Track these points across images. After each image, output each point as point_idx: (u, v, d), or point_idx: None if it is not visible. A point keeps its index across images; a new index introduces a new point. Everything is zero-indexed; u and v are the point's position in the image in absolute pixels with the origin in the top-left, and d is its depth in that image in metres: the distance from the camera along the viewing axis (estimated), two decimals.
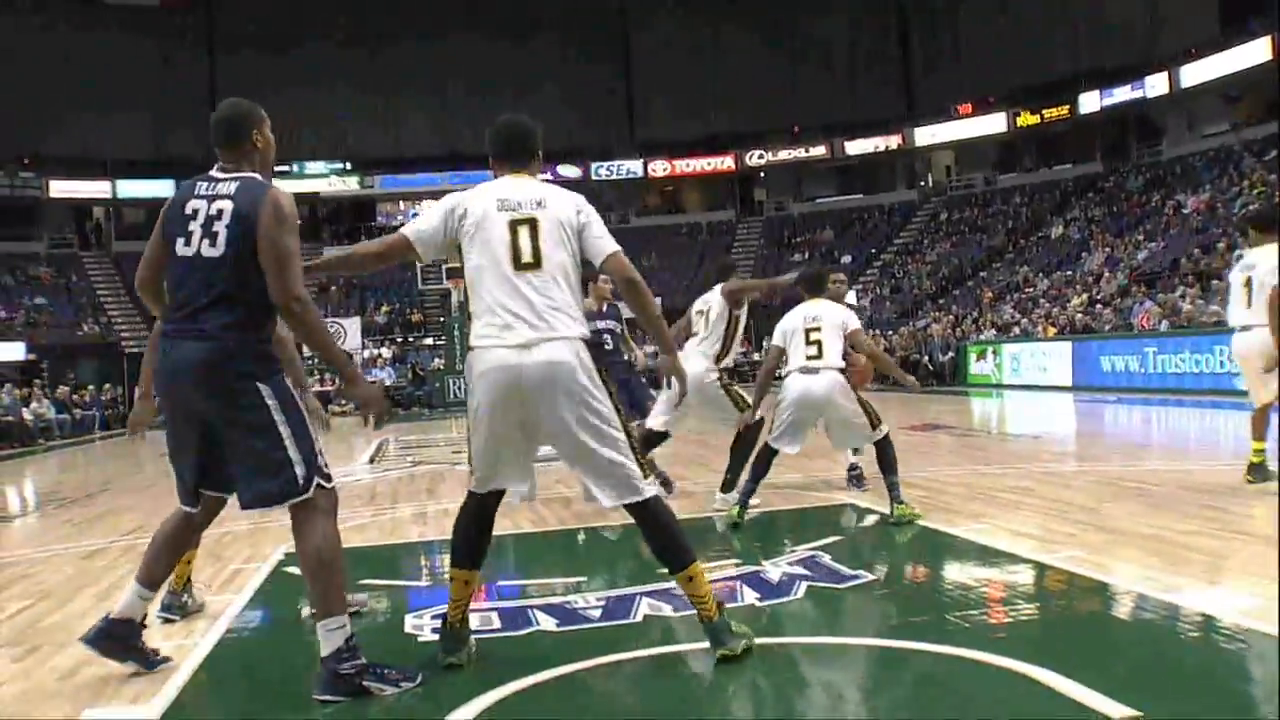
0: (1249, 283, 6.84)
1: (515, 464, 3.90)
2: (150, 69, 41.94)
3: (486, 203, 3.78)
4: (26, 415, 29.30)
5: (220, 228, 3.64)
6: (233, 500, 3.90)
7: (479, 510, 3.94)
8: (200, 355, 3.61)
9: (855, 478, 7.95)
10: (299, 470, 3.63)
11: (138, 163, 42.70)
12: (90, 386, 34.24)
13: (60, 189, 42.30)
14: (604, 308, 8.53)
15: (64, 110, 40.29)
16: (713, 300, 7.52)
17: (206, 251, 3.63)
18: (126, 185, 42.82)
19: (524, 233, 3.73)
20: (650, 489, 3.76)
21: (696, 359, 7.24)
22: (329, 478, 3.72)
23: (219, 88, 43.25)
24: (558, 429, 3.72)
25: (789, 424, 6.63)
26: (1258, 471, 6.87)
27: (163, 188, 42.19)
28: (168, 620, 4.75)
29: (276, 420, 3.61)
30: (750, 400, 7.27)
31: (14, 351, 35.70)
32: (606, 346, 8.18)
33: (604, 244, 3.79)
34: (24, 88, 39.29)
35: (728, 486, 7.29)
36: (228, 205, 3.64)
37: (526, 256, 3.73)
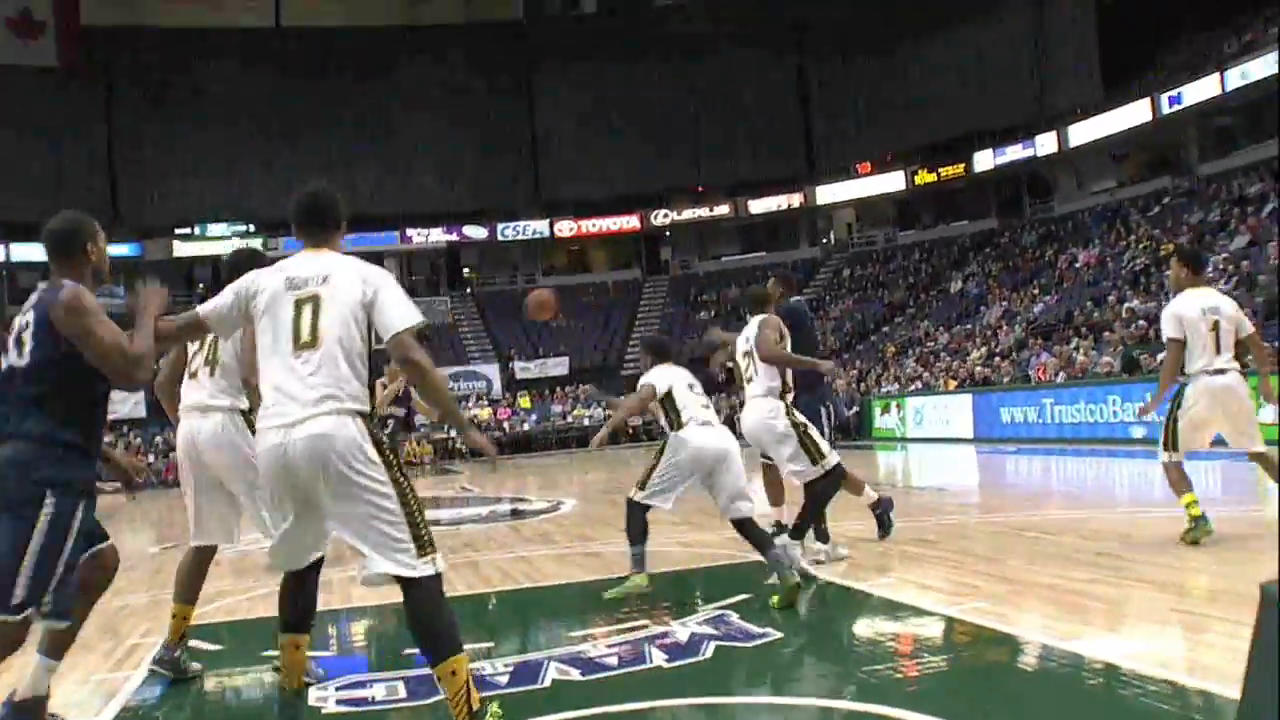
0: (1216, 326, 6.82)
1: (307, 540, 3.88)
2: (44, 129, 41.12)
3: (276, 281, 3.74)
4: None
5: (27, 336, 3.71)
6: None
7: (297, 581, 3.98)
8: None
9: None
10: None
11: (29, 226, 41.14)
12: None
13: None
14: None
15: None
16: (751, 334, 7.02)
17: (14, 361, 3.73)
18: (20, 250, 41.55)
19: (306, 311, 3.67)
20: (425, 568, 3.61)
21: (755, 406, 6.91)
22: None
23: (116, 160, 43.05)
24: (328, 503, 3.63)
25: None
26: (1201, 523, 6.68)
27: None
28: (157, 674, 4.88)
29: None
30: (823, 450, 6.82)
31: None
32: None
33: (391, 320, 3.67)
34: None
35: (822, 537, 7.10)
36: (31, 315, 3.73)
37: (305, 335, 3.67)
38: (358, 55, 43.40)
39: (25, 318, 3.76)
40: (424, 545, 3.62)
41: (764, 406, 6.85)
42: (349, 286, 3.68)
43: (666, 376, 6.46)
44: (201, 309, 3.87)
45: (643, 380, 6.58)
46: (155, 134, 42.63)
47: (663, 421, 6.51)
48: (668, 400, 6.39)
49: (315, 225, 3.91)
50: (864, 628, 5.34)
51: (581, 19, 44.88)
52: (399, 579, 3.60)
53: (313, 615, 4.10)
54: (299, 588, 3.98)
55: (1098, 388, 19.15)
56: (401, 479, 3.65)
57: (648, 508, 6.46)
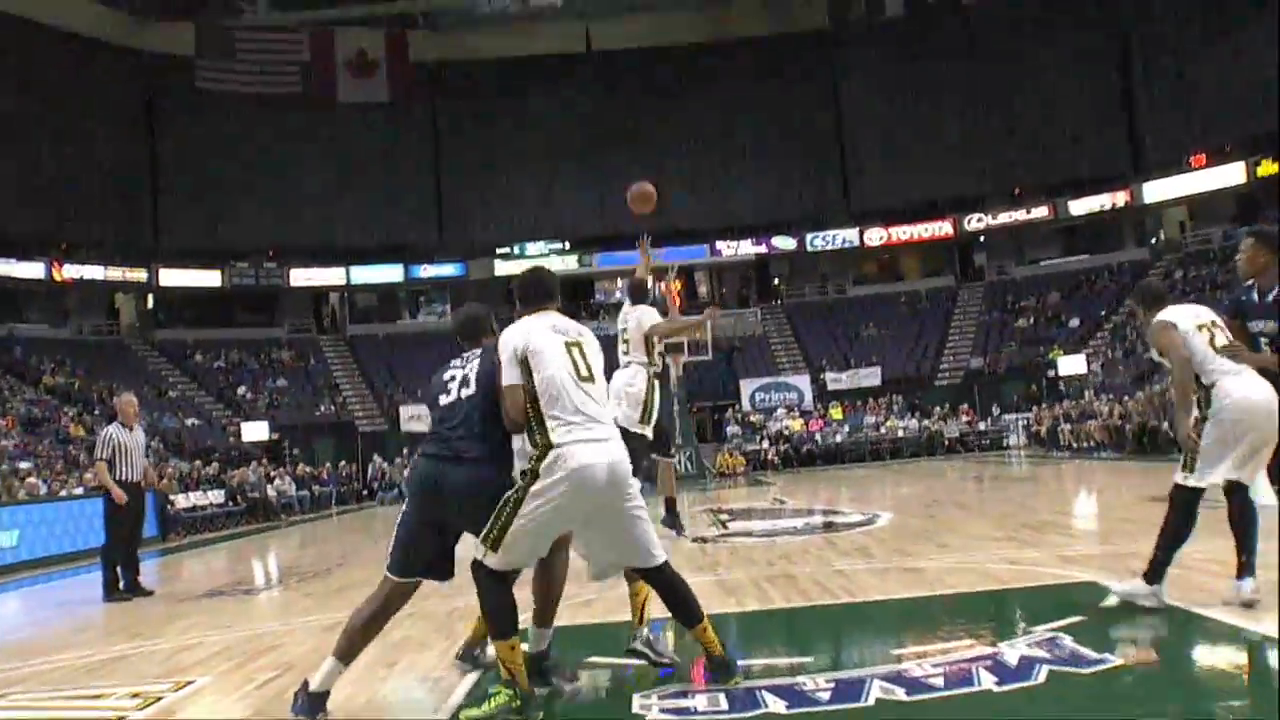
0: None
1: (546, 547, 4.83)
2: (378, 162, 45.29)
3: (544, 329, 4.77)
4: (270, 492, 31.95)
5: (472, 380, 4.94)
6: (466, 578, 4.72)
7: (504, 583, 4.72)
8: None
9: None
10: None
11: (369, 250, 46.35)
12: (327, 464, 37.18)
13: (299, 277, 45.79)
14: None
15: (302, 205, 43.87)
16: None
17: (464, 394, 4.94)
18: (360, 272, 46.25)
19: (576, 353, 4.71)
20: (662, 554, 4.76)
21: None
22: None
23: (443, 181, 46.85)
24: (607, 511, 4.66)
25: None
26: None
27: (392, 272, 47.14)
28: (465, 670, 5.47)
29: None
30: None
31: (259, 431, 38.36)
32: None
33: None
34: (265, 188, 43.35)
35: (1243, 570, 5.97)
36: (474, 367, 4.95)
37: (584, 371, 4.70)
38: (665, 73, 45.64)
39: (468, 369, 4.96)
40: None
41: None
42: (593, 339, 4.81)
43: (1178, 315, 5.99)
44: (523, 385, 4.66)
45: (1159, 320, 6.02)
46: (477, 160, 46.07)
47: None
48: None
49: (555, 298, 4.99)
50: (1215, 657, 5.02)
51: (888, 24, 44.61)
52: (648, 570, 4.76)
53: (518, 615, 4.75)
54: (508, 590, 4.73)
55: None
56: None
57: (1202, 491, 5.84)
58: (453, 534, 4.89)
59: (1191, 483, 5.71)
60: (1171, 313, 5.96)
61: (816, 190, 46.87)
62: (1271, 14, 37.27)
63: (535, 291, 4.92)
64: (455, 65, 45.86)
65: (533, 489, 4.50)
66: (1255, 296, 6.48)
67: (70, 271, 40.90)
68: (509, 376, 4.64)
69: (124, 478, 11.51)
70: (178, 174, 43.87)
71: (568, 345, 4.66)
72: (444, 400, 4.97)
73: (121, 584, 11.48)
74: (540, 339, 4.64)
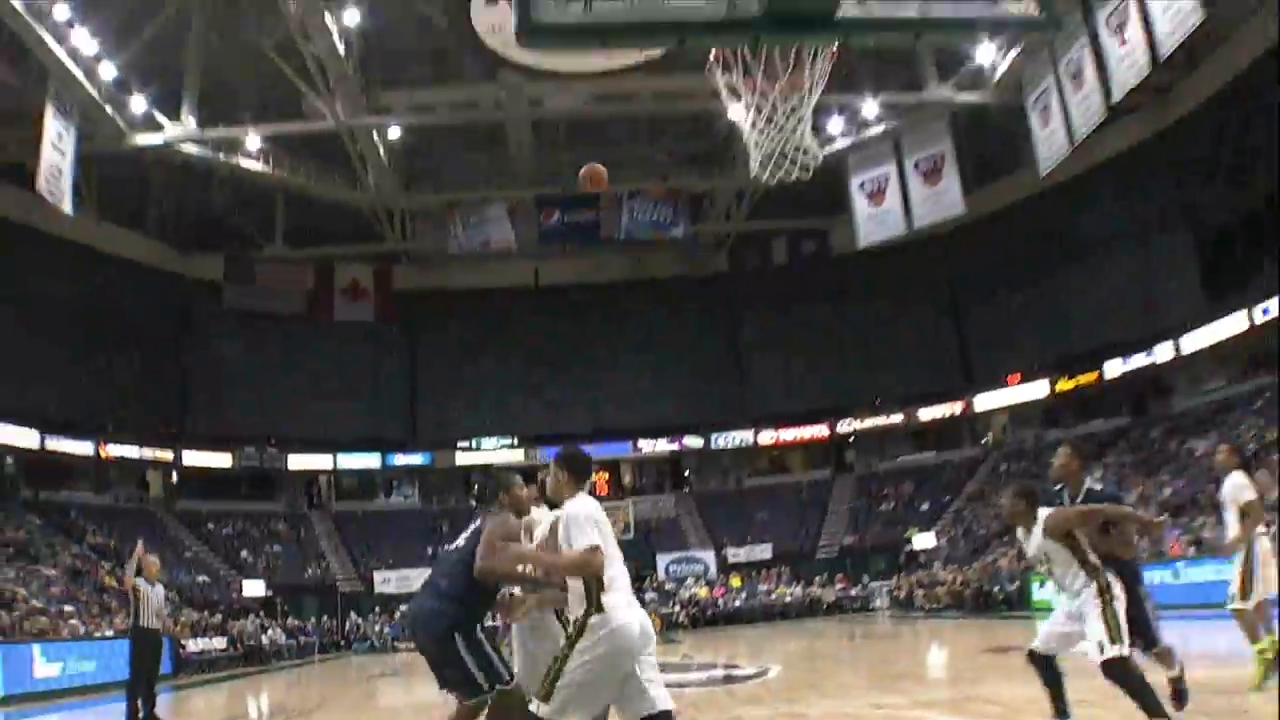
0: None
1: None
2: (364, 369, 50.41)
3: (599, 508, 5.07)
4: (264, 640, 36.53)
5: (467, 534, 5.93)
6: None
7: None
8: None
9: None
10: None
11: (353, 440, 50.75)
12: (312, 618, 41.24)
13: (296, 462, 50.03)
14: None
15: (300, 402, 48.48)
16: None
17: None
18: (345, 458, 51.01)
19: (607, 528, 4.98)
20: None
21: None
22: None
23: (416, 385, 52.06)
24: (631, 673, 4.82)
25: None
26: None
27: (371, 460, 50.92)
28: None
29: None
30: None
31: (257, 588, 41.98)
32: None
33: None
34: (271, 387, 48.07)
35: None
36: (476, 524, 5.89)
37: (614, 546, 4.98)
38: (599, 304, 51.33)
39: (468, 529, 5.89)
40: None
41: None
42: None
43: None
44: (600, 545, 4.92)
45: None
46: (444, 369, 50.85)
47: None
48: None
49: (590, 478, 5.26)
50: None
51: (775, 269, 50.95)
52: (660, 714, 4.77)
53: None
54: None
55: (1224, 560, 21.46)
56: None
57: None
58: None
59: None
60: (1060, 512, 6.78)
61: (720, 399, 51.87)
62: (1060, 268, 44.21)
63: (585, 471, 5.18)
64: (429, 294, 50.97)
65: (579, 645, 4.72)
66: (1065, 499, 7.12)
67: (113, 450, 44.27)
68: (590, 538, 4.79)
69: (146, 624, 12.34)
70: (202, 373, 47.90)
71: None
72: (443, 550, 5.89)
73: (141, 714, 12.22)
74: (601, 513, 4.94)
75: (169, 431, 47.28)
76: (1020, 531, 6.99)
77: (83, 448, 43.70)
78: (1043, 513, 6.80)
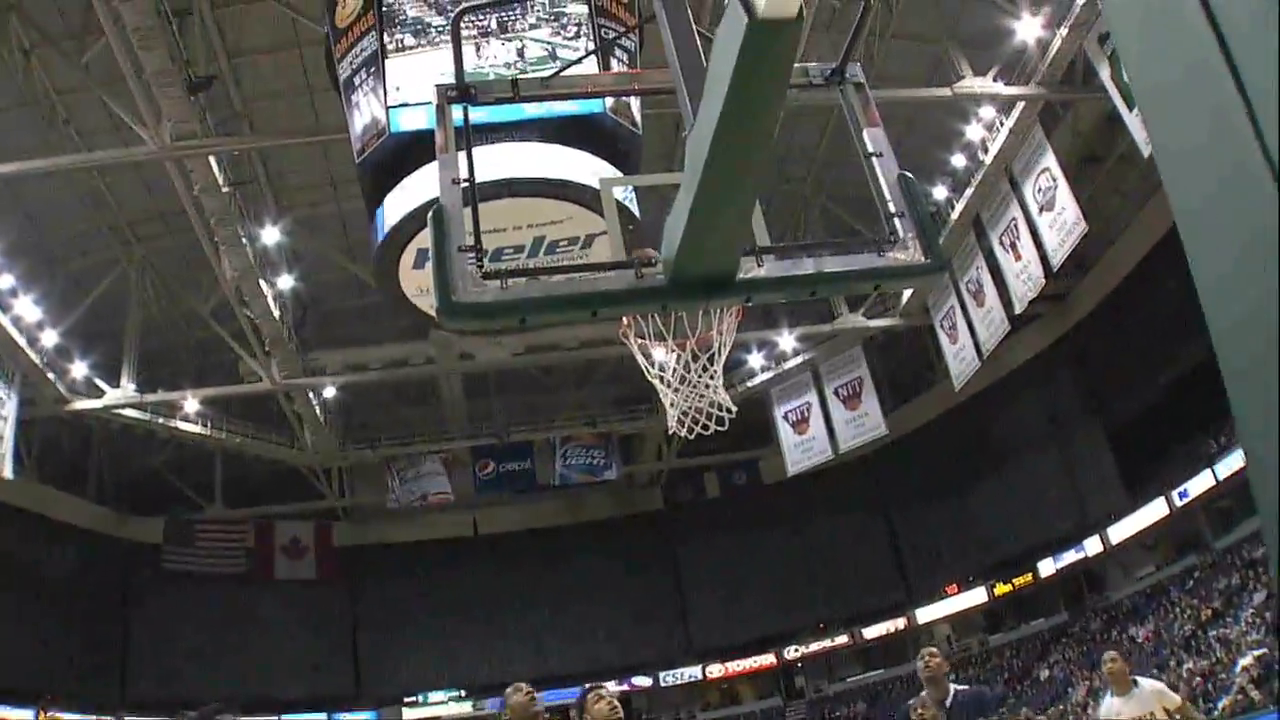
0: None
1: None
2: (306, 627, 50.11)
3: None
4: None
5: None
6: None
7: None
8: None
9: None
10: None
11: (298, 700, 49.64)
12: None
13: None
14: None
15: (244, 663, 47.51)
16: None
17: None
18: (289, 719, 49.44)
19: None
20: None
21: None
22: None
23: (359, 641, 51.74)
24: None
25: None
26: None
27: None
28: None
29: None
30: None
31: None
32: None
33: None
34: (213, 648, 47.09)
35: None
36: None
37: None
38: (537, 549, 51.75)
39: None
40: None
41: None
42: None
43: None
44: None
45: None
46: (387, 623, 50.56)
47: None
48: None
49: None
50: None
51: (709, 502, 52.88)
52: None
53: None
54: None
55: None
56: None
57: None
58: None
59: None
60: None
61: (664, 636, 52.07)
62: (986, 476, 46.42)
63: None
64: (369, 549, 51.52)
65: None
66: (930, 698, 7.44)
67: (54, 717, 42.49)
68: None
69: None
70: (142, 637, 47.34)
71: None
72: None
73: None
74: None
75: (109, 698, 46.41)
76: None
77: (22, 716, 42.73)
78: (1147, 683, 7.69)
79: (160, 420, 42.94)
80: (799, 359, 45.98)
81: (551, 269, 4.39)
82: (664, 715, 53.54)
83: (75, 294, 38.81)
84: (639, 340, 9.02)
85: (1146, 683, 7.79)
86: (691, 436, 9.79)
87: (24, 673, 42.60)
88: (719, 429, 9.58)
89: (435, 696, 51.44)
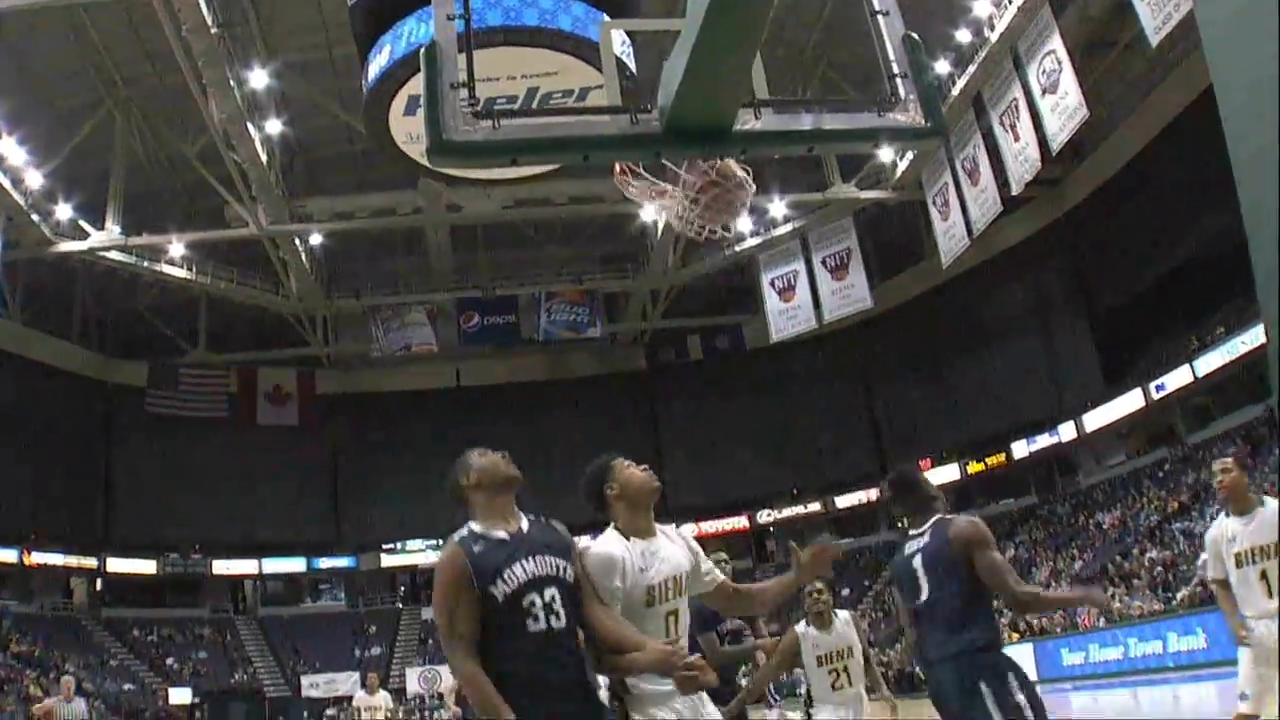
0: (1264, 575, 5.80)
1: None
2: (288, 473, 50.81)
3: None
4: None
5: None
6: None
7: None
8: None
9: None
10: None
11: (278, 544, 50.98)
12: None
13: (220, 566, 50.17)
14: None
15: (224, 507, 48.71)
16: None
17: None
18: (270, 563, 51.07)
19: None
20: None
21: None
22: None
23: (340, 489, 52.76)
24: None
25: None
26: None
27: (296, 564, 51.05)
28: None
29: None
30: None
31: (183, 695, 41.88)
32: None
33: None
34: (195, 492, 48.03)
35: None
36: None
37: None
38: (518, 403, 51.84)
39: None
40: None
41: None
42: None
43: None
44: None
45: None
46: (367, 470, 51.32)
47: None
48: None
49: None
50: None
51: (691, 365, 52.90)
52: None
53: None
54: None
55: (1133, 628, 24.31)
56: None
57: None
58: None
59: None
60: None
61: None
62: (966, 355, 46.80)
63: None
64: (352, 397, 51.90)
65: None
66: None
67: (37, 557, 44.10)
68: None
69: None
70: (125, 480, 48.29)
71: None
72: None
73: None
74: None
75: (92, 538, 47.42)
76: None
77: (6, 555, 43.80)
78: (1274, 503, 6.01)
79: (145, 264, 42.72)
80: (788, 226, 45.60)
81: (545, 110, 4.23)
82: None
83: (61, 135, 38.11)
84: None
85: (1274, 502, 5.95)
86: (701, 239, 9.79)
87: (7, 513, 43.23)
88: (724, 233, 9.68)
89: (412, 544, 52.16)
